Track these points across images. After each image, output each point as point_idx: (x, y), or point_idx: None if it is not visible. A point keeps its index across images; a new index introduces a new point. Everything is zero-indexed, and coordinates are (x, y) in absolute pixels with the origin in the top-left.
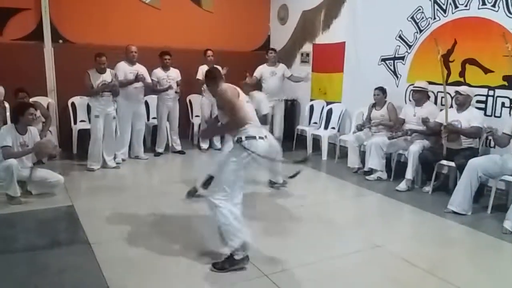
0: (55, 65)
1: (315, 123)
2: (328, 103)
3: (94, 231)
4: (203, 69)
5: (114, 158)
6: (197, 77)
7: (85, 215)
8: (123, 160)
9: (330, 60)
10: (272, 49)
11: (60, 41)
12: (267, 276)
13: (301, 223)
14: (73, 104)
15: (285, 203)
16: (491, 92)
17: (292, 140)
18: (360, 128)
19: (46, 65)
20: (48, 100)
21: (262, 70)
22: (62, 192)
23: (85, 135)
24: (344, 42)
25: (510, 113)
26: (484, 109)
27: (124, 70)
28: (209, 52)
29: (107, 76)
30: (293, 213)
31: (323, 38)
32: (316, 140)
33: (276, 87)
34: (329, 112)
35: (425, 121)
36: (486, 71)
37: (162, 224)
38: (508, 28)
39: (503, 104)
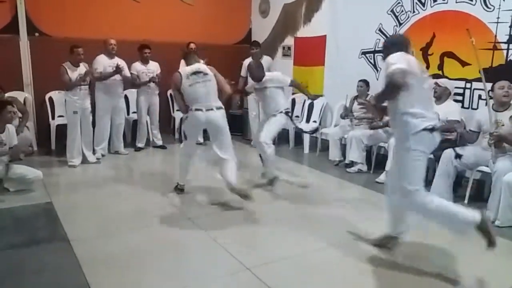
0: (31, 59)
1: (297, 116)
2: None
3: (74, 228)
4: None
5: (94, 153)
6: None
7: (64, 212)
8: (102, 155)
9: (312, 53)
10: (254, 43)
11: (36, 34)
12: (250, 270)
13: (282, 217)
14: (50, 99)
15: (266, 196)
16: (468, 85)
17: None
18: (343, 116)
19: (22, 59)
20: (24, 95)
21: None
22: (40, 189)
23: (63, 130)
24: (325, 36)
25: (486, 104)
26: (462, 102)
27: (103, 63)
28: (192, 45)
29: (82, 70)
30: (274, 206)
31: (304, 32)
32: (298, 134)
33: None
34: (311, 106)
35: None
36: (464, 64)
37: (143, 220)
38: (485, 21)
39: (479, 97)
